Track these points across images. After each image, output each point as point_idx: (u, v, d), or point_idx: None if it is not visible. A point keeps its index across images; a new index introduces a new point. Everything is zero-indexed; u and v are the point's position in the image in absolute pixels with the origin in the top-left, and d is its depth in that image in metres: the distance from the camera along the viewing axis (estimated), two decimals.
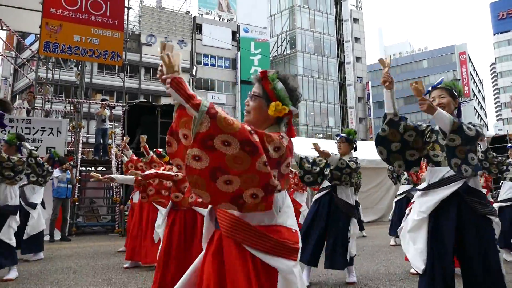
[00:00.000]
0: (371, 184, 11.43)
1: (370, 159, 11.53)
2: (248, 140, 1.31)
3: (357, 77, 42.28)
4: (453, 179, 2.41)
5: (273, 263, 1.46)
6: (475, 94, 57.16)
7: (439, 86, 2.61)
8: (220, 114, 1.31)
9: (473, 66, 60.05)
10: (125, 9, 10.81)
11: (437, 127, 2.54)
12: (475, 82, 60.21)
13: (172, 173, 3.21)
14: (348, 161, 4.04)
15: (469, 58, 53.37)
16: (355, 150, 4.30)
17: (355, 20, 43.46)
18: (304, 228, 4.17)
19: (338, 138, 4.32)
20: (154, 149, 5.76)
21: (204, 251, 1.66)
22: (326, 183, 4.22)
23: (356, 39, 42.96)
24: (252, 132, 1.34)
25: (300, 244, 1.56)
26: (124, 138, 6.18)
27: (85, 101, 11.32)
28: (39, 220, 5.64)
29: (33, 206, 5.55)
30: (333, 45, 40.94)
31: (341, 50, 41.85)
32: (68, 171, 8.18)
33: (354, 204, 4.28)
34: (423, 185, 2.66)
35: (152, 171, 3.34)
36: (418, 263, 2.45)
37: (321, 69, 39.38)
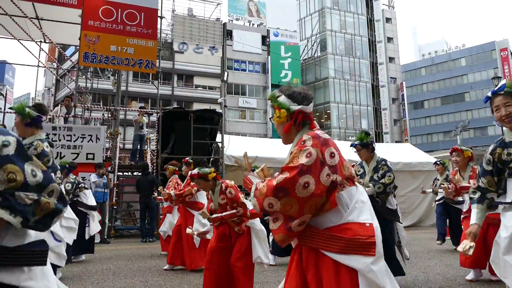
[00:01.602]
0: (408, 188, 11.03)
1: (406, 161, 11.17)
2: (275, 189, 1.55)
3: (391, 77, 41.22)
4: None
5: (348, 262, 1.49)
6: None
7: (502, 91, 2.21)
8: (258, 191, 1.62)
9: None
10: (158, 19, 11.14)
11: (507, 139, 2.27)
12: None
13: (234, 211, 3.28)
14: (381, 178, 3.92)
15: None
16: (373, 150, 4.10)
17: (388, 20, 42.47)
18: None
19: (353, 148, 4.12)
20: (183, 160, 5.74)
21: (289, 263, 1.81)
22: None
23: (389, 39, 41.95)
24: (276, 180, 1.57)
25: (376, 238, 1.52)
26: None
27: (121, 108, 11.74)
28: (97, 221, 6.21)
29: (94, 208, 6.15)
30: (365, 46, 40.18)
31: (374, 51, 41.00)
32: (104, 176, 8.44)
33: (396, 208, 4.14)
34: (507, 197, 2.32)
35: (218, 215, 3.39)
36: None
37: (352, 70, 38.73)
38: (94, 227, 6.04)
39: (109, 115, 11.43)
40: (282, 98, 1.83)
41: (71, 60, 18.07)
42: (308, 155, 1.56)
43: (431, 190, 7.48)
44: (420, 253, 6.53)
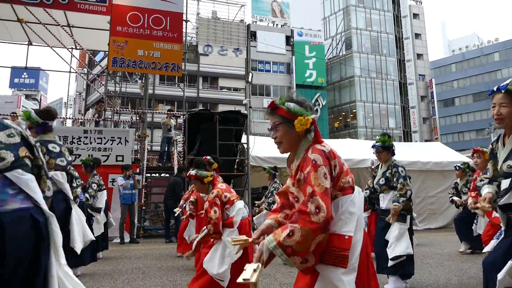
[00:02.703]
0: (438, 188, 10.68)
1: (436, 161, 10.83)
2: (323, 226, 1.53)
3: (419, 75, 40.12)
4: None
5: (322, 271, 1.56)
6: None
7: (503, 89, 2.15)
8: (284, 245, 1.52)
9: None
10: (183, 22, 11.31)
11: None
12: None
13: (206, 231, 3.24)
14: (403, 195, 3.88)
15: None
16: (393, 154, 4.16)
17: (415, 16, 41.37)
18: None
19: (374, 149, 4.14)
20: (203, 157, 5.80)
21: None
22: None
23: (417, 35, 40.86)
24: (315, 217, 1.51)
25: (352, 251, 1.54)
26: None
27: (149, 111, 12.00)
28: (101, 224, 6.20)
29: (99, 210, 6.13)
30: (392, 43, 39.31)
31: (401, 48, 40.04)
32: (131, 177, 8.61)
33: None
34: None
35: (195, 241, 3.44)
36: None
37: (379, 68, 37.96)
38: (96, 229, 5.93)
39: (137, 118, 11.71)
40: (293, 105, 1.74)
41: (100, 65, 18.65)
42: (325, 176, 1.58)
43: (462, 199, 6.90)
44: (453, 255, 6.32)
